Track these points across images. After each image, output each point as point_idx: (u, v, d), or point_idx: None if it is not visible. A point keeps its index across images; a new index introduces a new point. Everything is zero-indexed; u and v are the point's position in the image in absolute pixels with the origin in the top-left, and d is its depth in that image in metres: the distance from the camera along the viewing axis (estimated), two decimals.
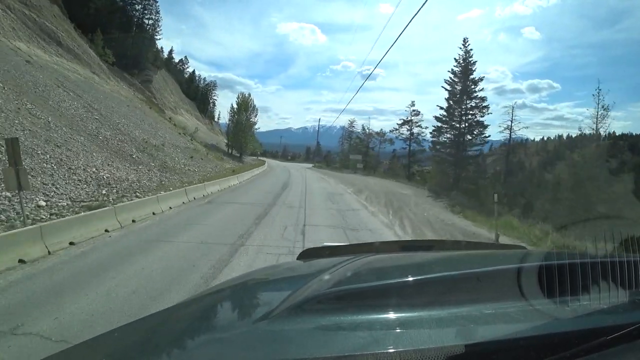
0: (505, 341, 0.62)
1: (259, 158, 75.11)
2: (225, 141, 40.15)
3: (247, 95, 44.11)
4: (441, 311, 0.69)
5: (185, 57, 57.81)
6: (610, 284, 0.77)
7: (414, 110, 41.42)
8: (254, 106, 41.13)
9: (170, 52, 57.47)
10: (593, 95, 27.65)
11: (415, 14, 9.93)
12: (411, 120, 41.89)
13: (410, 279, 0.84)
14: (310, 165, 60.48)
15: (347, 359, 0.58)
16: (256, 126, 47.48)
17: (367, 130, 47.01)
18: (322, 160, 58.42)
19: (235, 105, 44.06)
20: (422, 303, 0.71)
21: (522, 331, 0.65)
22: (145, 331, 0.76)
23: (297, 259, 1.32)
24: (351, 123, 50.55)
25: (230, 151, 38.82)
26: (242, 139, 40.91)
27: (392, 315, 0.69)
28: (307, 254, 1.33)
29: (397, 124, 40.94)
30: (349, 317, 0.68)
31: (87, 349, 0.68)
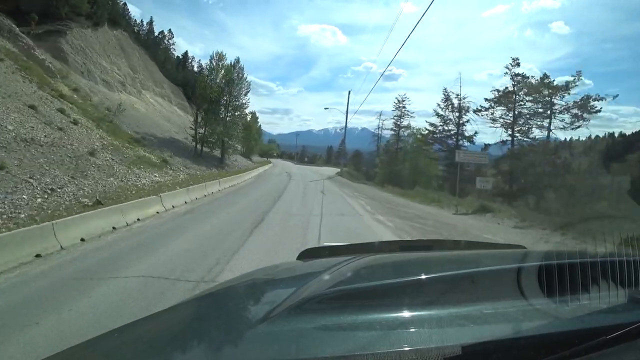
0: (505, 341, 0.63)
1: (268, 159, 66.43)
2: (193, 133, 24.77)
3: (232, 62, 27.47)
4: (441, 311, 0.73)
5: (170, 30, 49.11)
6: (610, 283, 0.81)
7: (516, 75, 21.25)
8: (243, 77, 18.20)
9: (151, 22, 46.21)
10: None
11: (425, 11, 9.27)
12: (513, 91, 22.50)
13: (410, 278, 0.87)
14: (335, 170, 43.49)
15: (347, 359, 0.58)
16: (252, 116, 38.08)
17: (462, 101, 25.80)
18: (349, 163, 36.33)
19: (206, 72, 18.46)
20: (422, 303, 0.76)
21: (522, 331, 0.67)
22: (144, 332, 0.82)
23: (297, 258, 1.31)
24: (401, 100, 26.58)
25: (200, 149, 24.60)
26: (219, 129, 24.85)
27: (392, 315, 0.72)
28: (307, 254, 1.33)
29: (485, 99, 22.01)
30: (349, 317, 0.71)
31: (87, 349, 0.73)
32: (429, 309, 0.72)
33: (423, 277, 0.84)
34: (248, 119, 55.04)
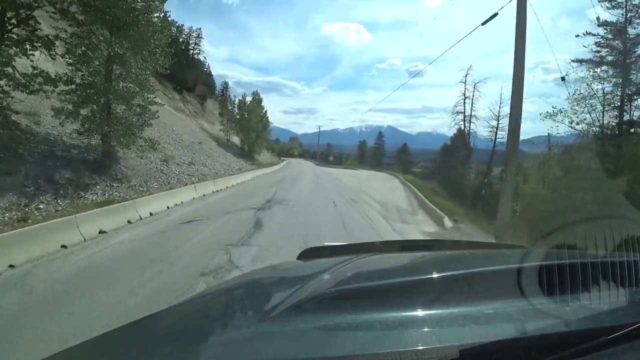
0: (505, 341, 0.65)
1: (281, 158, 56.78)
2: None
3: None
4: (441, 311, 0.75)
5: None
6: (611, 283, 0.82)
7: None
8: None
9: None
10: None
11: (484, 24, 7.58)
12: None
13: (410, 278, 0.89)
14: (390, 182, 24.90)
15: (347, 359, 0.61)
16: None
17: None
18: (393, 164, 12.34)
19: None
20: (422, 303, 0.78)
21: (522, 331, 0.69)
22: (145, 331, 0.84)
23: (297, 258, 1.29)
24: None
25: None
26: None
27: (392, 315, 0.74)
28: (307, 254, 1.31)
29: None
30: (349, 316, 0.73)
31: (88, 349, 0.76)
32: (430, 309, 0.75)
33: (423, 277, 0.88)
34: (249, 100, 38.22)
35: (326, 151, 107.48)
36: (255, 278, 1.17)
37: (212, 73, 57.75)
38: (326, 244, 1.58)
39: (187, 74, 45.01)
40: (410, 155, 49.09)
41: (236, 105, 41.28)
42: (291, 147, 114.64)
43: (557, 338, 0.65)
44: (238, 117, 38.77)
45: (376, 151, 73.99)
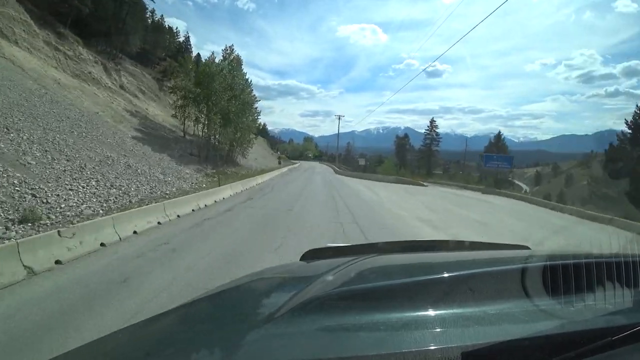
0: (509, 342, 0.65)
1: (292, 161, 56.80)
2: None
3: None
4: (445, 312, 0.76)
5: None
6: (616, 283, 0.83)
7: None
8: None
9: None
10: None
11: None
12: None
13: (414, 279, 0.89)
14: None
15: None
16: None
17: None
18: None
19: None
20: (425, 304, 0.79)
21: (526, 332, 0.69)
22: (148, 333, 0.85)
23: (300, 259, 1.31)
24: None
25: None
26: None
27: (395, 315, 0.75)
28: (310, 255, 1.32)
29: None
30: (353, 317, 0.74)
31: (91, 350, 0.77)
32: (433, 310, 0.75)
33: (427, 277, 0.88)
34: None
35: (345, 152, 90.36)
36: (258, 279, 1.18)
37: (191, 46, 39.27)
38: (329, 245, 1.53)
39: (127, 32, 28.70)
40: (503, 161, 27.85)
41: (192, 72, 23.94)
42: (305, 149, 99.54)
43: (561, 339, 0.65)
44: (198, 90, 21.54)
45: (425, 153, 50.35)
